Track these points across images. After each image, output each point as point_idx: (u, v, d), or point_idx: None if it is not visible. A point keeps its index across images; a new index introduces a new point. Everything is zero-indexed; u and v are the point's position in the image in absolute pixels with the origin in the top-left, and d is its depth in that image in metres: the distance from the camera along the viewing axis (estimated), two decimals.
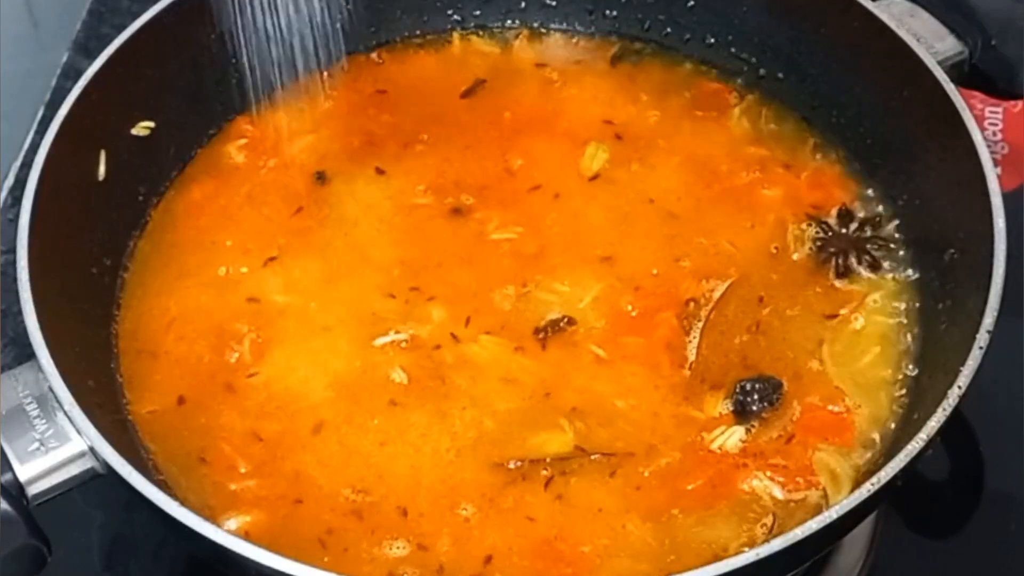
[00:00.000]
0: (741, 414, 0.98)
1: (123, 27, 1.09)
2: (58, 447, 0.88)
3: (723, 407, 0.99)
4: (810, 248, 1.09)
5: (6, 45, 1.50)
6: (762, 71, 1.21)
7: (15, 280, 0.93)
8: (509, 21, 1.29)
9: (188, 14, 1.13)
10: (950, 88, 1.03)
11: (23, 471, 0.87)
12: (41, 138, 1.01)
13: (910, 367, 1.02)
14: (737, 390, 0.99)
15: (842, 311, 1.05)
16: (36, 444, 0.88)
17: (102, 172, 1.07)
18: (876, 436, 0.98)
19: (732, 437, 0.97)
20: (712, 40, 1.23)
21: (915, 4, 1.13)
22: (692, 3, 1.23)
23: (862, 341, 1.03)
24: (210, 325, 1.05)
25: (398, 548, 0.93)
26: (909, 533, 1.15)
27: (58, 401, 0.88)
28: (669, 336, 1.03)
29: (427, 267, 1.08)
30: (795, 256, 1.09)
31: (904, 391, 1.00)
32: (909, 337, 1.03)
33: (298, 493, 0.96)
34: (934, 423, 0.86)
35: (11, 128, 1.46)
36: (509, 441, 0.98)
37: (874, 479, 0.83)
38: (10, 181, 1.42)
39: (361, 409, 1.00)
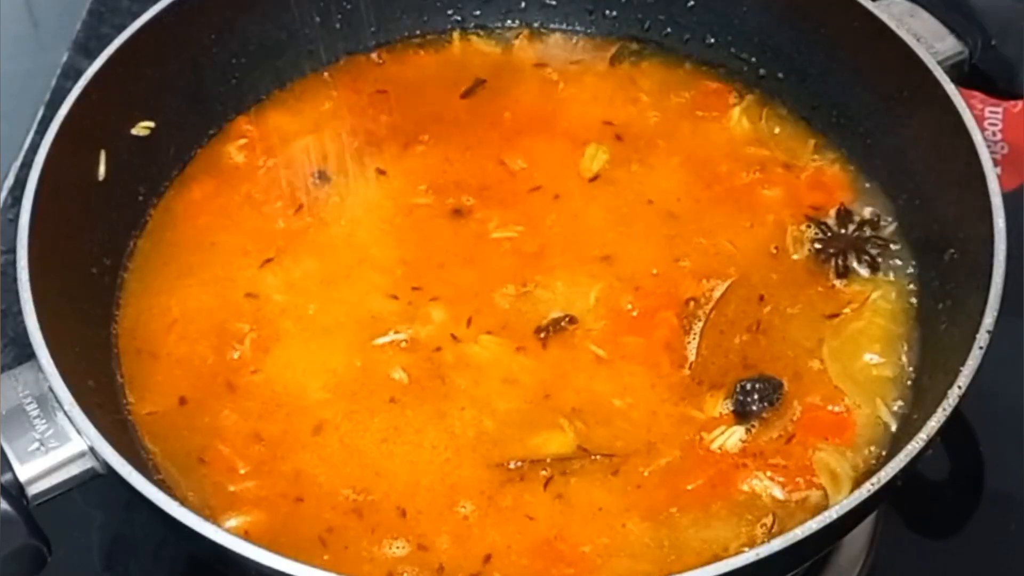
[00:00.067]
0: (741, 414, 0.98)
1: (123, 27, 1.09)
2: (58, 447, 0.88)
3: (723, 407, 0.99)
4: (810, 248, 1.09)
5: (6, 45, 1.50)
6: (762, 71, 1.21)
7: (15, 280, 0.93)
8: (509, 21, 1.29)
9: (188, 14, 1.13)
10: (950, 88, 1.03)
11: (23, 471, 0.87)
12: (41, 138, 1.01)
13: (910, 367, 1.02)
14: (737, 390, 0.99)
15: (843, 311, 1.05)
16: (36, 444, 0.88)
17: (102, 172, 1.07)
18: (876, 436, 0.98)
19: (732, 437, 0.97)
20: (712, 40, 1.23)
21: (915, 4, 1.13)
22: (692, 3, 1.23)
23: (862, 341, 1.03)
24: (211, 325, 1.05)
25: (398, 548, 0.93)
26: (909, 533, 1.15)
27: (58, 401, 0.88)
28: (669, 336, 1.03)
29: (428, 267, 1.08)
30: (795, 256, 1.09)
31: (904, 391, 1.00)
32: (909, 337, 1.03)
33: (298, 492, 0.96)
34: (934, 423, 0.86)
35: (11, 128, 1.46)
36: (509, 441, 0.98)
37: (874, 479, 0.83)
38: (10, 181, 1.42)
39: (361, 409, 1.00)
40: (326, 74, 1.25)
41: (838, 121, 1.16)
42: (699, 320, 1.04)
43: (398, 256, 1.09)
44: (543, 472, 0.96)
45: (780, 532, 0.83)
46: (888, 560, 1.12)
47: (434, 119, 1.20)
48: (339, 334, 1.04)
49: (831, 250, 1.08)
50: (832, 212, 1.11)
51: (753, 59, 1.21)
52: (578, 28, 1.28)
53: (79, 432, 0.88)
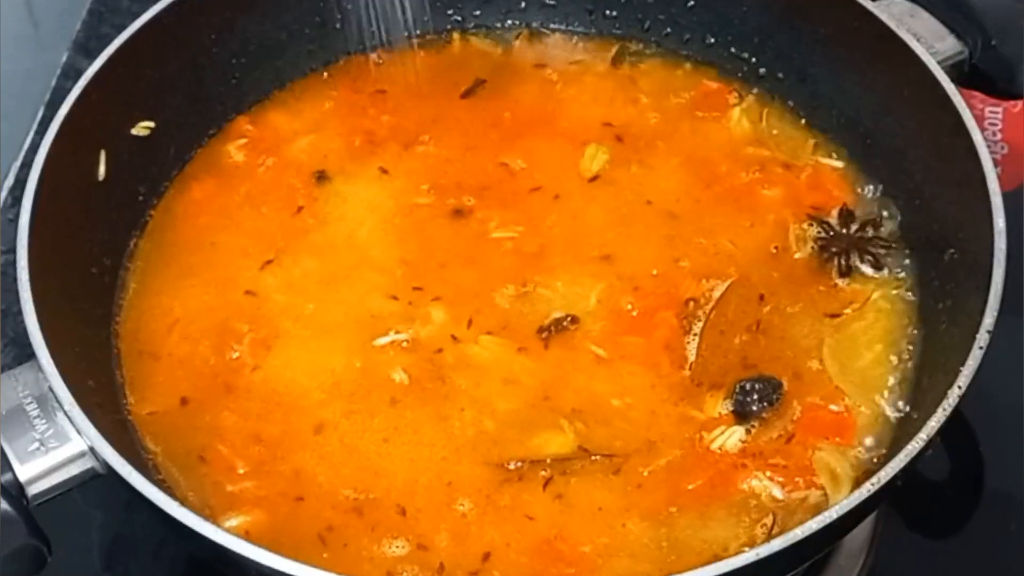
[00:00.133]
0: (741, 414, 0.98)
1: (123, 27, 1.09)
2: (58, 447, 0.88)
3: (723, 407, 0.99)
4: (812, 248, 1.09)
5: (6, 45, 1.50)
6: (762, 71, 1.21)
7: (15, 280, 0.93)
8: (509, 21, 1.29)
9: (188, 14, 1.13)
10: (950, 88, 1.03)
11: (23, 471, 0.87)
12: (41, 138, 1.01)
13: (910, 367, 1.02)
14: (737, 390, 0.99)
15: (843, 311, 1.05)
16: (36, 444, 0.88)
17: (102, 172, 1.07)
18: (876, 436, 0.98)
19: (732, 437, 0.97)
20: (712, 40, 1.23)
21: (915, 4, 1.13)
22: (692, 3, 1.23)
23: (862, 341, 1.03)
24: (212, 325, 1.05)
25: (398, 547, 0.93)
26: (909, 533, 1.15)
27: (58, 401, 0.88)
28: (669, 336, 1.03)
29: (429, 267, 1.08)
30: (797, 255, 1.09)
31: (904, 391, 1.00)
32: (909, 337, 1.03)
33: (298, 491, 0.96)
34: (934, 423, 0.86)
35: (11, 128, 1.46)
36: (509, 441, 0.98)
37: (874, 479, 0.83)
38: (10, 181, 1.42)
39: (362, 409, 1.00)
40: (326, 74, 1.25)
41: (838, 121, 1.16)
42: (699, 320, 1.04)
43: (398, 256, 1.09)
44: (543, 472, 0.96)
45: (780, 532, 0.83)
46: (888, 560, 1.12)
47: (434, 119, 1.20)
48: (339, 334, 1.04)
49: (833, 249, 1.08)
50: (835, 212, 1.11)
51: (753, 59, 1.21)
52: (578, 28, 1.28)
53: (79, 432, 0.88)
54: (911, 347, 1.03)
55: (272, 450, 0.98)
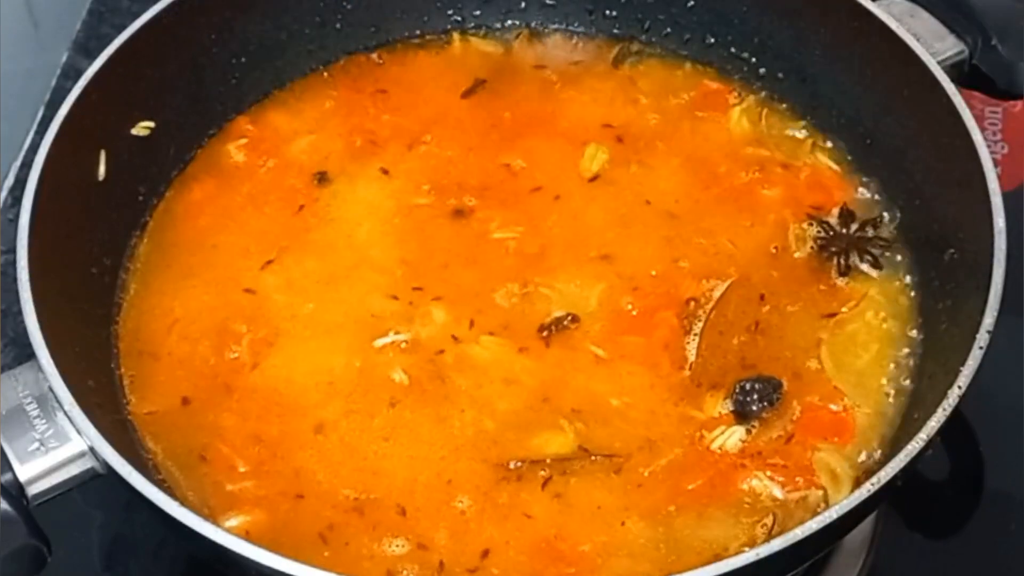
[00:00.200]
0: (741, 414, 0.98)
1: (123, 27, 1.09)
2: (58, 447, 0.88)
3: (723, 407, 0.99)
4: (811, 247, 1.09)
5: (6, 45, 1.50)
6: (762, 71, 1.21)
7: (15, 280, 0.93)
8: (509, 21, 1.28)
9: (188, 14, 1.13)
10: (950, 88, 1.03)
11: (23, 471, 0.87)
12: (41, 138, 1.01)
13: (910, 367, 1.02)
14: (737, 390, 0.99)
15: (842, 310, 1.05)
16: (36, 444, 0.88)
17: (102, 172, 1.07)
18: (876, 436, 0.98)
19: (732, 437, 0.97)
20: (712, 40, 1.23)
21: (915, 4, 1.13)
22: (692, 3, 1.23)
23: (861, 341, 1.03)
24: (212, 325, 1.05)
25: (398, 546, 0.93)
26: (909, 533, 1.15)
27: (58, 401, 0.88)
28: (669, 336, 1.03)
29: (430, 267, 1.08)
30: (797, 254, 1.09)
31: (904, 391, 1.00)
32: (909, 337, 1.03)
33: (299, 489, 0.96)
34: (934, 423, 0.86)
35: (11, 128, 1.46)
36: (509, 441, 0.98)
37: (874, 479, 0.83)
38: (10, 181, 1.42)
39: (361, 409, 1.00)
40: (326, 74, 1.25)
41: (838, 121, 1.16)
42: (699, 320, 1.04)
43: (399, 256, 1.09)
44: (542, 472, 0.96)
45: (780, 532, 0.84)
46: (888, 560, 1.12)
47: (435, 119, 1.20)
48: (340, 335, 1.04)
49: (833, 249, 1.08)
50: (834, 211, 1.11)
51: (753, 59, 1.21)
52: (578, 28, 1.28)
53: (79, 432, 0.88)
54: (911, 347, 1.03)
55: (272, 449, 0.98)
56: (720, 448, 0.97)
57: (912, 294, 1.06)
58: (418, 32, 1.28)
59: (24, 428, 0.89)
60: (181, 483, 0.97)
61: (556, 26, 1.28)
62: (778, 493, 0.95)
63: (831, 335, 1.03)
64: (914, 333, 1.04)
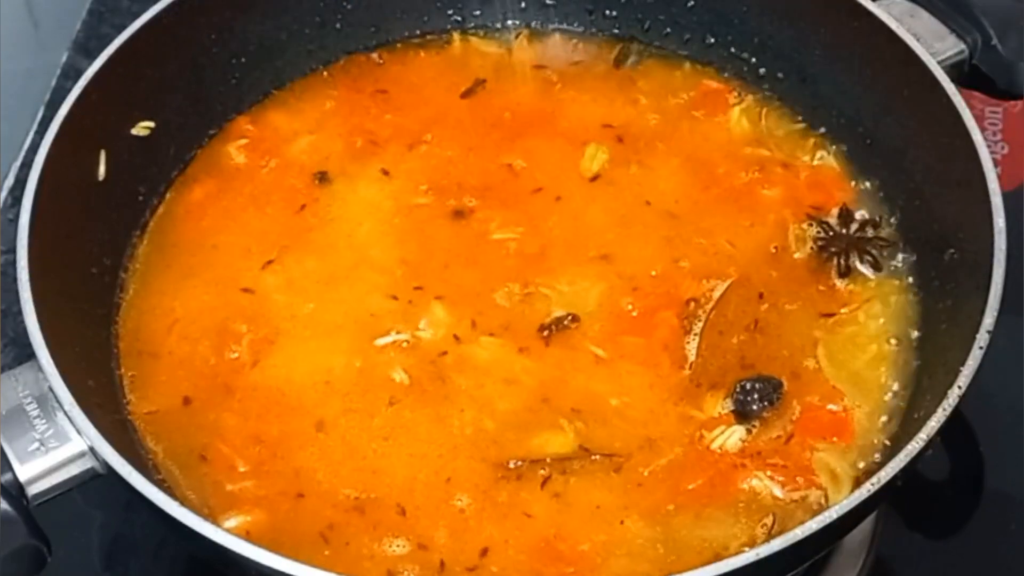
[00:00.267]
0: (741, 414, 0.98)
1: (123, 27, 1.09)
2: (58, 447, 0.88)
3: (723, 407, 0.99)
4: (811, 248, 1.09)
5: (6, 45, 1.50)
6: (762, 71, 1.21)
7: (15, 280, 0.93)
8: (509, 21, 1.28)
9: (188, 14, 1.13)
10: (950, 88, 1.03)
11: (23, 471, 0.88)
12: (41, 138, 1.01)
13: (910, 367, 1.02)
14: (737, 390, 0.99)
15: (842, 310, 1.05)
16: (36, 444, 0.88)
17: (102, 172, 1.07)
18: (876, 436, 0.98)
19: (732, 437, 0.97)
20: (712, 40, 1.23)
21: (915, 4, 1.13)
22: (692, 3, 1.23)
23: (861, 341, 1.03)
24: (212, 325, 1.05)
25: (398, 546, 0.93)
26: (909, 533, 1.15)
27: (58, 401, 0.88)
28: (669, 336, 1.03)
29: (430, 268, 1.08)
30: (797, 255, 1.09)
31: (904, 391, 1.00)
32: (909, 337, 1.03)
33: (299, 489, 0.96)
34: (934, 423, 0.86)
35: (11, 128, 1.46)
36: (509, 441, 0.98)
37: (874, 479, 0.83)
38: (10, 181, 1.42)
39: (361, 409, 1.00)
40: (326, 74, 1.25)
41: (838, 121, 1.16)
42: (699, 320, 1.04)
43: (399, 256, 1.09)
44: (541, 471, 0.96)
45: (780, 532, 0.84)
46: (888, 560, 1.12)
47: (435, 119, 1.20)
48: (340, 334, 1.04)
49: (833, 249, 1.08)
50: (833, 212, 1.11)
51: (753, 59, 1.21)
52: (578, 28, 1.28)
53: (79, 432, 0.88)
54: (911, 347, 1.03)
55: (272, 449, 0.98)
56: (720, 448, 0.97)
57: (912, 294, 1.06)
58: (418, 32, 1.28)
59: (24, 428, 0.89)
60: (181, 483, 0.97)
61: (556, 26, 1.28)
62: (778, 493, 0.95)
63: (831, 335, 1.03)
64: (914, 333, 1.04)
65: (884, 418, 0.99)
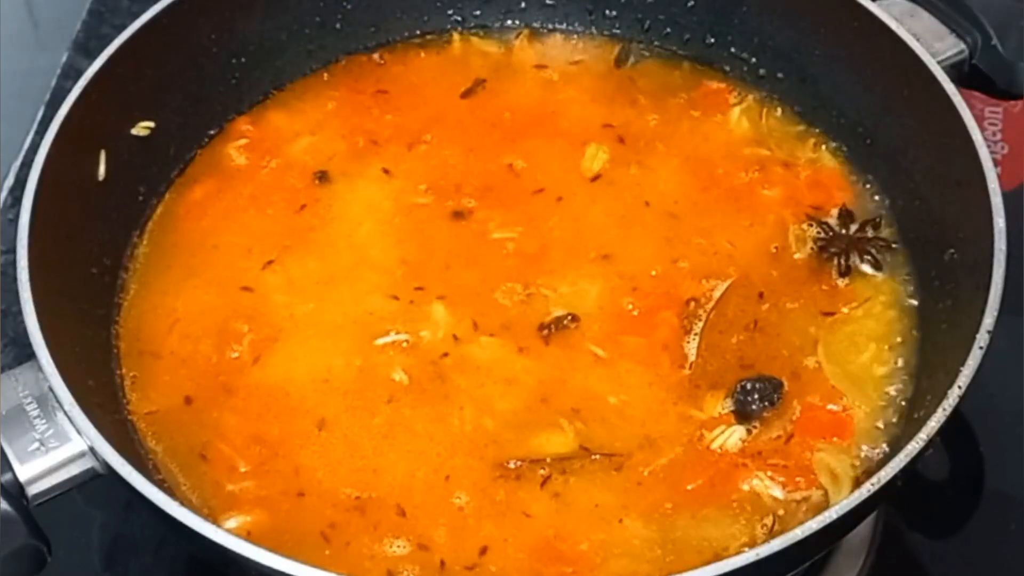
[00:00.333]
0: (742, 414, 0.98)
1: (123, 27, 1.09)
2: (58, 447, 0.88)
3: (723, 407, 0.99)
4: (811, 248, 1.09)
5: (6, 45, 1.50)
6: (762, 71, 1.21)
7: (15, 280, 0.93)
8: (509, 21, 1.29)
9: (188, 14, 1.13)
10: (950, 88, 1.03)
11: (23, 471, 0.87)
12: (41, 138, 1.01)
13: (910, 367, 1.02)
14: (737, 390, 0.99)
15: (842, 310, 1.05)
16: (36, 444, 0.88)
17: (102, 172, 1.07)
18: (876, 436, 0.98)
19: (732, 437, 0.97)
20: (712, 40, 1.23)
21: (915, 4, 1.13)
22: (692, 3, 1.23)
23: (861, 340, 1.03)
24: (213, 325, 1.05)
25: (399, 547, 0.93)
26: (909, 533, 1.15)
27: (58, 401, 0.88)
28: (669, 336, 1.03)
29: (430, 268, 1.08)
30: (797, 255, 1.09)
31: (904, 391, 1.00)
32: (909, 337, 1.03)
33: (300, 488, 0.96)
34: (934, 423, 0.86)
35: (11, 128, 1.46)
36: (508, 441, 0.98)
37: (874, 479, 0.83)
38: (10, 181, 1.42)
39: (361, 409, 1.00)
40: (326, 74, 1.25)
41: (838, 121, 1.16)
42: (699, 320, 1.04)
43: (399, 256, 1.09)
44: (541, 471, 0.96)
45: (780, 532, 0.83)
46: (888, 560, 1.12)
47: (435, 119, 1.20)
48: (340, 334, 1.04)
49: (833, 249, 1.08)
50: (834, 212, 1.11)
51: (753, 59, 1.21)
52: (578, 28, 1.28)
53: (79, 432, 0.88)
54: (911, 347, 1.03)
55: (273, 449, 0.98)
56: (720, 448, 0.97)
57: (912, 294, 1.06)
58: (418, 32, 1.28)
59: (24, 428, 0.89)
60: (181, 483, 0.97)
61: (556, 26, 1.28)
62: (778, 493, 0.95)
63: (831, 335, 1.03)
64: (914, 333, 1.04)
65: (884, 418, 0.99)
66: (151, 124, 1.12)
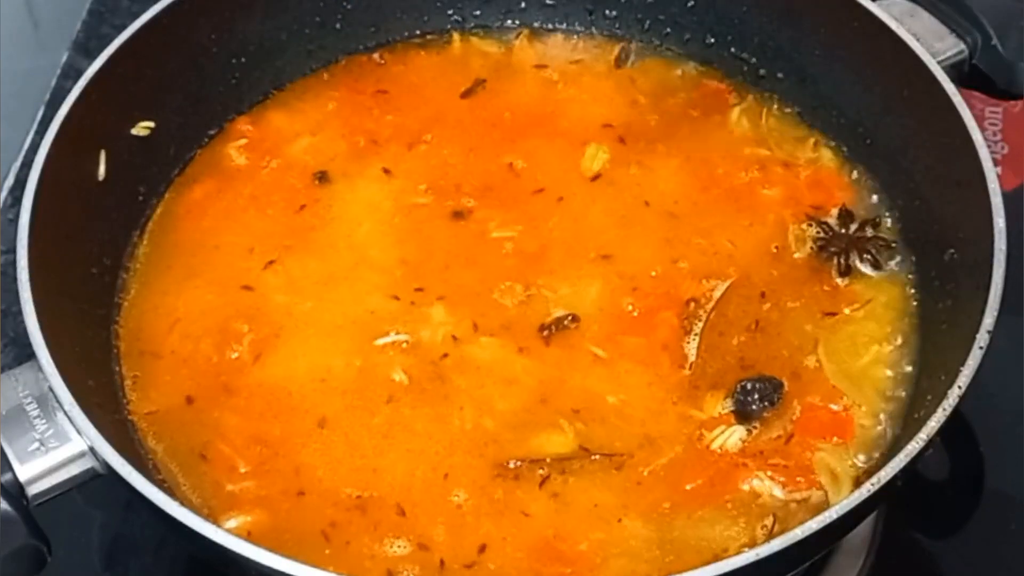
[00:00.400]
0: (742, 414, 0.98)
1: (123, 27, 1.10)
2: (58, 447, 0.88)
3: (723, 407, 0.99)
4: (811, 248, 1.09)
5: (6, 45, 1.50)
6: (762, 71, 1.21)
7: (15, 280, 0.93)
8: (509, 21, 1.29)
9: (188, 14, 1.13)
10: (950, 88, 1.03)
11: (23, 471, 0.88)
12: (41, 138, 1.01)
13: (910, 367, 1.02)
14: (738, 390, 0.99)
15: (842, 310, 1.05)
16: (36, 444, 0.88)
17: (102, 172, 1.07)
18: (876, 436, 0.98)
19: (732, 437, 0.97)
20: (712, 40, 1.23)
21: (915, 4, 1.13)
22: (692, 3, 1.23)
23: (861, 341, 1.03)
24: (213, 325, 1.05)
25: (399, 547, 0.93)
26: (909, 533, 1.15)
27: (58, 401, 0.88)
28: (669, 336, 1.03)
29: (430, 268, 1.08)
30: (797, 255, 1.09)
31: (904, 391, 1.00)
32: (909, 337, 1.03)
33: (300, 487, 0.96)
34: (934, 423, 0.86)
35: (11, 128, 1.46)
36: (509, 441, 0.98)
37: (874, 479, 0.83)
38: (10, 181, 1.42)
39: (361, 409, 1.00)
40: (326, 74, 1.25)
41: (838, 121, 1.16)
42: (699, 320, 1.04)
43: (399, 256, 1.09)
44: (540, 471, 0.96)
45: (780, 532, 0.84)
46: (888, 560, 1.12)
47: (435, 119, 1.20)
48: (340, 334, 1.04)
49: (833, 249, 1.08)
50: (833, 212, 1.11)
51: (753, 59, 1.21)
52: (578, 28, 1.28)
53: (79, 432, 0.88)
54: (911, 347, 1.03)
55: (273, 448, 0.98)
56: (720, 448, 0.97)
57: (912, 294, 1.06)
58: (418, 32, 1.28)
59: (24, 428, 0.89)
60: (181, 483, 0.97)
61: (556, 26, 1.28)
62: (778, 493, 0.95)
63: (831, 335, 1.03)
64: (914, 333, 1.03)
65: (884, 418, 0.99)
66: (151, 124, 1.12)
